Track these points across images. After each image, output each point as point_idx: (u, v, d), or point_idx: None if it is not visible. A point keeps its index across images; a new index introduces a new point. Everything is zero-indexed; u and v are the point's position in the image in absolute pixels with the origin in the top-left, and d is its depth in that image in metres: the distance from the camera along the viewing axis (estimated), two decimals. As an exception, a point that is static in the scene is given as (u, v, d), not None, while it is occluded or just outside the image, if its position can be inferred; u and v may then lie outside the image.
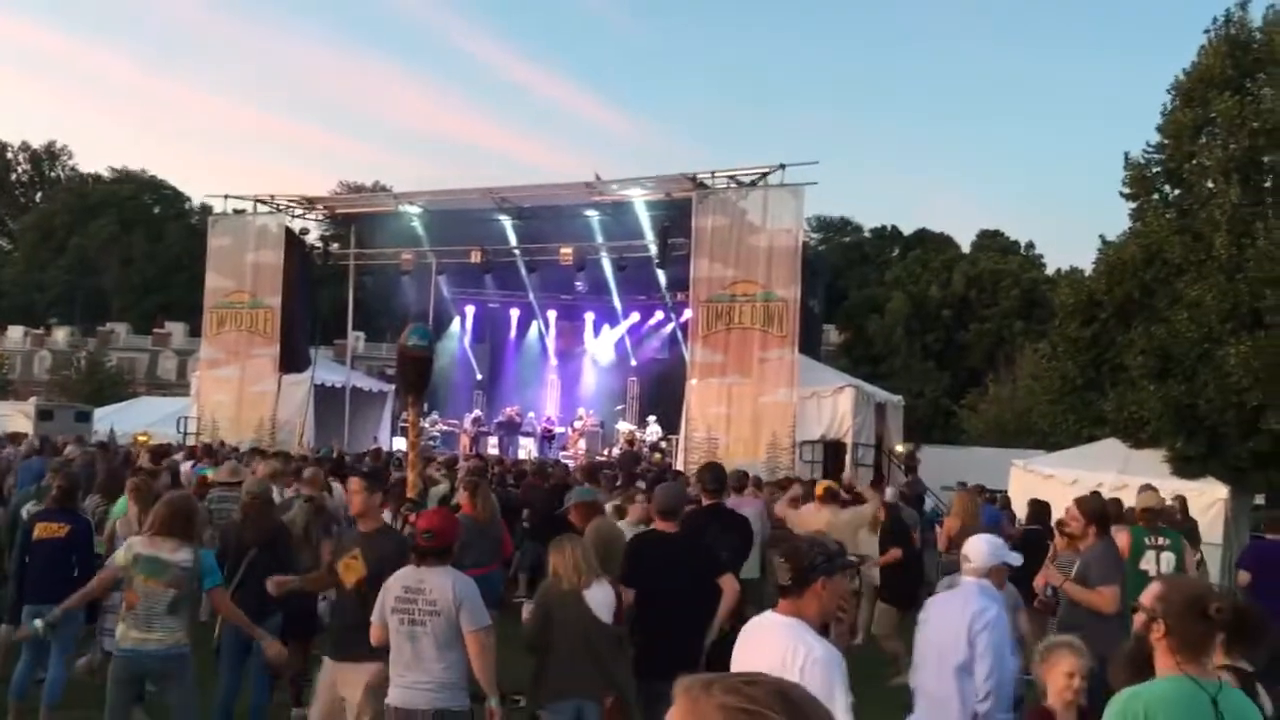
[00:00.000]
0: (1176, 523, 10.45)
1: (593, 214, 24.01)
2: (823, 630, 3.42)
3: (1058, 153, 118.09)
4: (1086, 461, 16.57)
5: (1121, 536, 7.56)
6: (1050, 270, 52.12)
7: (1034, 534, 10.08)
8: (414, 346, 6.02)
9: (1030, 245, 57.78)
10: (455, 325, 29.28)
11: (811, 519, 9.74)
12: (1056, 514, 10.78)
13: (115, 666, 5.64)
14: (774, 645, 3.28)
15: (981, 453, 26.17)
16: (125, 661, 5.57)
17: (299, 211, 26.75)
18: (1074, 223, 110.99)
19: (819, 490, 10.78)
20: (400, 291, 27.82)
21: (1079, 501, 7.51)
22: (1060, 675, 4.20)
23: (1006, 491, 16.97)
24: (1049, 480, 15.88)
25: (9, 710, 6.92)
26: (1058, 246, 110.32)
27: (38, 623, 6.18)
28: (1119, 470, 15.38)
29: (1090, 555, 6.88)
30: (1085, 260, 56.91)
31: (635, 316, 28.09)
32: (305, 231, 26.46)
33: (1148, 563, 7.64)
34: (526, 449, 25.91)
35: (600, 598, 5.31)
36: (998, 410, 35.39)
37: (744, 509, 10.09)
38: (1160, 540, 7.87)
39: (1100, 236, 19.36)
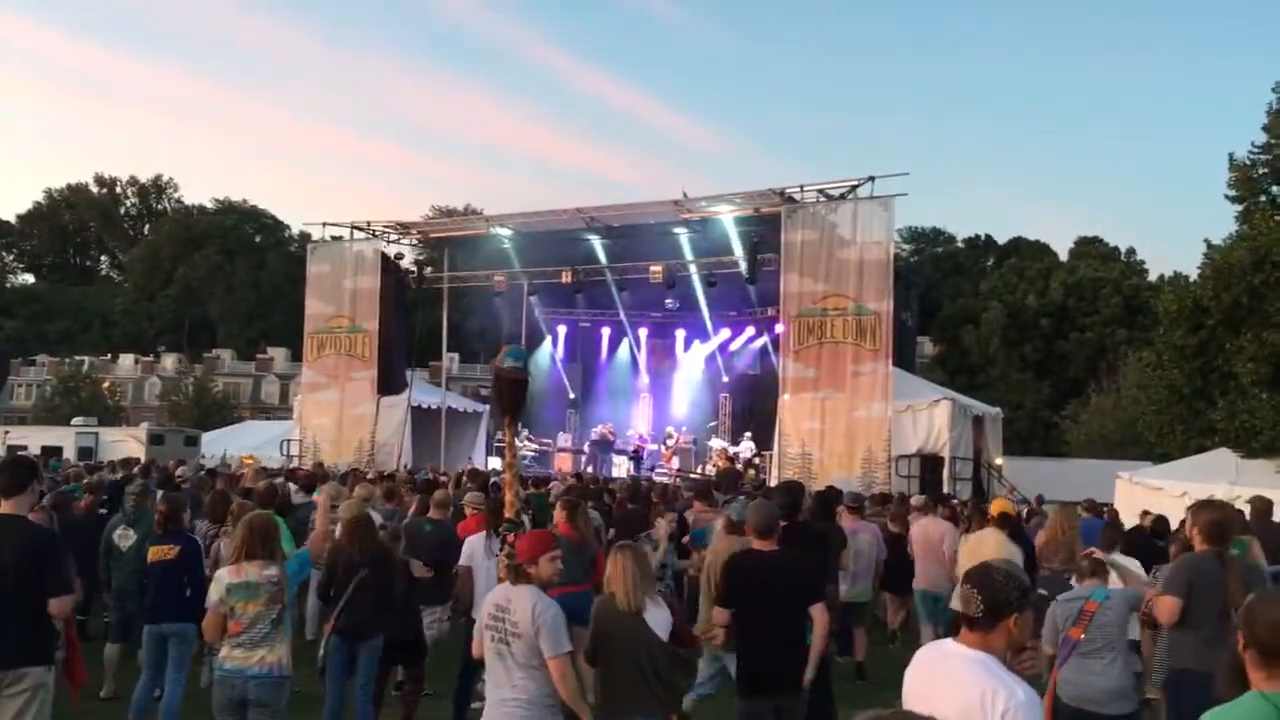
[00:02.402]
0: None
1: (681, 231, 24.06)
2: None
3: (1157, 156, 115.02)
4: (1196, 473, 16.02)
5: (1253, 548, 7.28)
6: (1153, 276, 50.74)
7: (1145, 541, 9.71)
8: (510, 368, 6.05)
9: (1131, 251, 56.37)
10: (547, 345, 29.57)
11: (988, 548, 8.32)
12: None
13: (217, 692, 5.77)
14: (968, 683, 3.06)
15: (1084, 465, 25.52)
16: (228, 683, 5.71)
17: (393, 237, 27.31)
18: (1177, 227, 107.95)
19: (993, 512, 9.27)
20: (493, 313, 28.20)
21: (1191, 507, 7.21)
22: None
23: (1112, 504, 16.49)
24: (1157, 493, 15.39)
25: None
26: (1160, 252, 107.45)
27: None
28: (1230, 481, 14.84)
29: (1174, 562, 6.67)
30: (1190, 266, 55.32)
31: (726, 332, 28.05)
32: (400, 256, 27.00)
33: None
34: (620, 467, 26.00)
35: (658, 618, 5.28)
36: (1101, 421, 34.46)
37: (861, 533, 9.97)
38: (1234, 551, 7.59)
39: (1205, 241, 18.83)
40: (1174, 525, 10.62)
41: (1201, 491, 14.11)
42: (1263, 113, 18.03)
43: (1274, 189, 18.19)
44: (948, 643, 3.27)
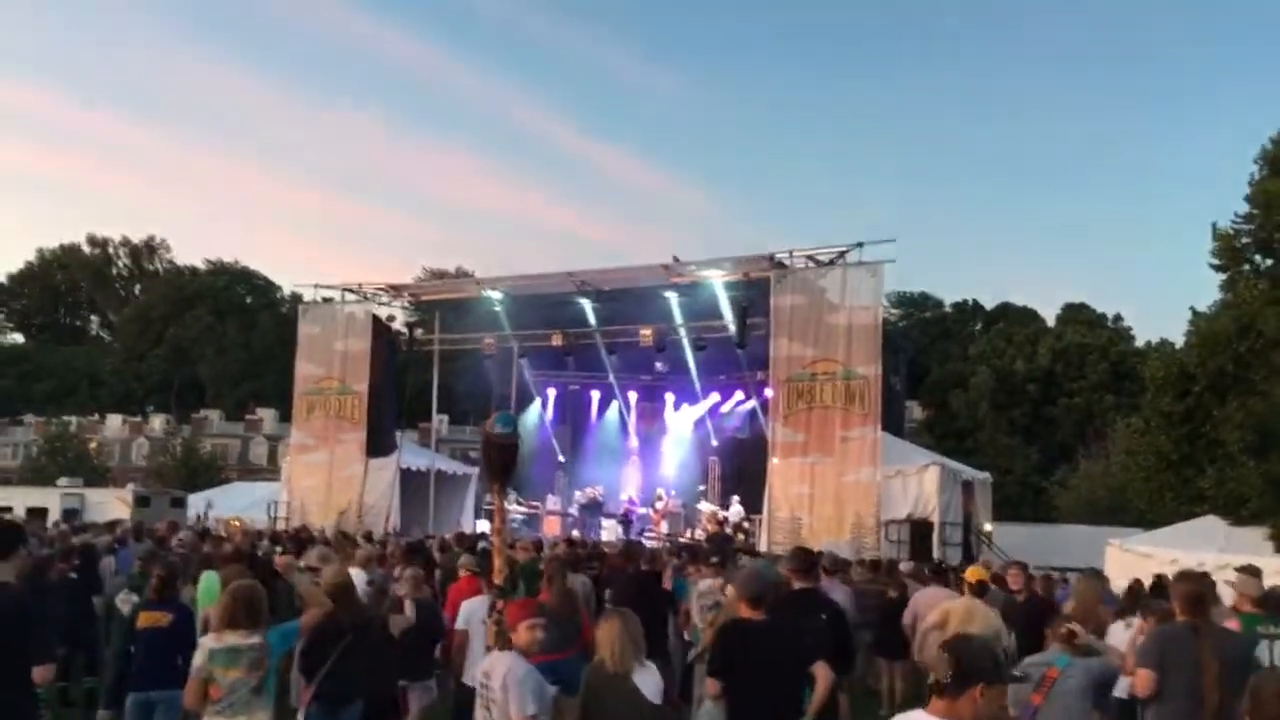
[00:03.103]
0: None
1: (671, 295, 24.20)
2: None
3: (1143, 223, 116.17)
4: (1185, 540, 16.04)
5: (1231, 624, 7.25)
6: (1139, 343, 51.06)
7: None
8: (499, 434, 6.09)
9: (1118, 317, 56.73)
10: (537, 407, 29.58)
11: (978, 618, 8.42)
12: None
13: None
14: None
15: (1074, 531, 25.49)
16: None
17: (385, 299, 27.40)
18: (1163, 294, 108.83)
19: (969, 579, 9.25)
20: (483, 375, 28.25)
21: (1175, 577, 7.20)
22: None
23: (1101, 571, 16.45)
24: (1147, 560, 15.37)
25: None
26: (1147, 319, 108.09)
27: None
28: (1220, 549, 14.86)
29: (1147, 634, 6.65)
30: (1176, 332, 55.62)
31: (715, 396, 28.11)
32: (391, 318, 27.10)
33: (1263, 653, 7.30)
34: (609, 530, 25.89)
35: (649, 682, 5.28)
36: (1090, 487, 34.49)
37: (834, 593, 9.93)
38: (1273, 629, 7.54)
39: (1190, 308, 18.98)
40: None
41: (1191, 559, 14.12)
42: (1245, 183, 18.26)
43: (1257, 258, 18.37)
44: (917, 712, 3.26)
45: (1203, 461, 17.25)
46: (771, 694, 5.58)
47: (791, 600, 7.03)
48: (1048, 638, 6.43)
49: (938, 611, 9.13)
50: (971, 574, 9.40)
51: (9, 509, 25.39)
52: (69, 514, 25.95)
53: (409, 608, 8.44)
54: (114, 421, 65.62)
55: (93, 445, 59.75)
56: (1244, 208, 18.14)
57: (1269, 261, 17.73)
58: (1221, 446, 16.55)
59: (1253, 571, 8.90)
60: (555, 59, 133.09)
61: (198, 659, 5.82)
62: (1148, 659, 5.66)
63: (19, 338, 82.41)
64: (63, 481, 34.38)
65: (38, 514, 23.59)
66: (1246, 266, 18.02)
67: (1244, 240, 18.09)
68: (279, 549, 14.03)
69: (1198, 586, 6.09)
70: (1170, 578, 11.16)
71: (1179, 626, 5.76)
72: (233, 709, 5.68)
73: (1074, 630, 6.17)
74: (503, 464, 6.57)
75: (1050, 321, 57.22)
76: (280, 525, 23.49)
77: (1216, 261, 18.28)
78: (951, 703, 3.14)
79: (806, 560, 7.53)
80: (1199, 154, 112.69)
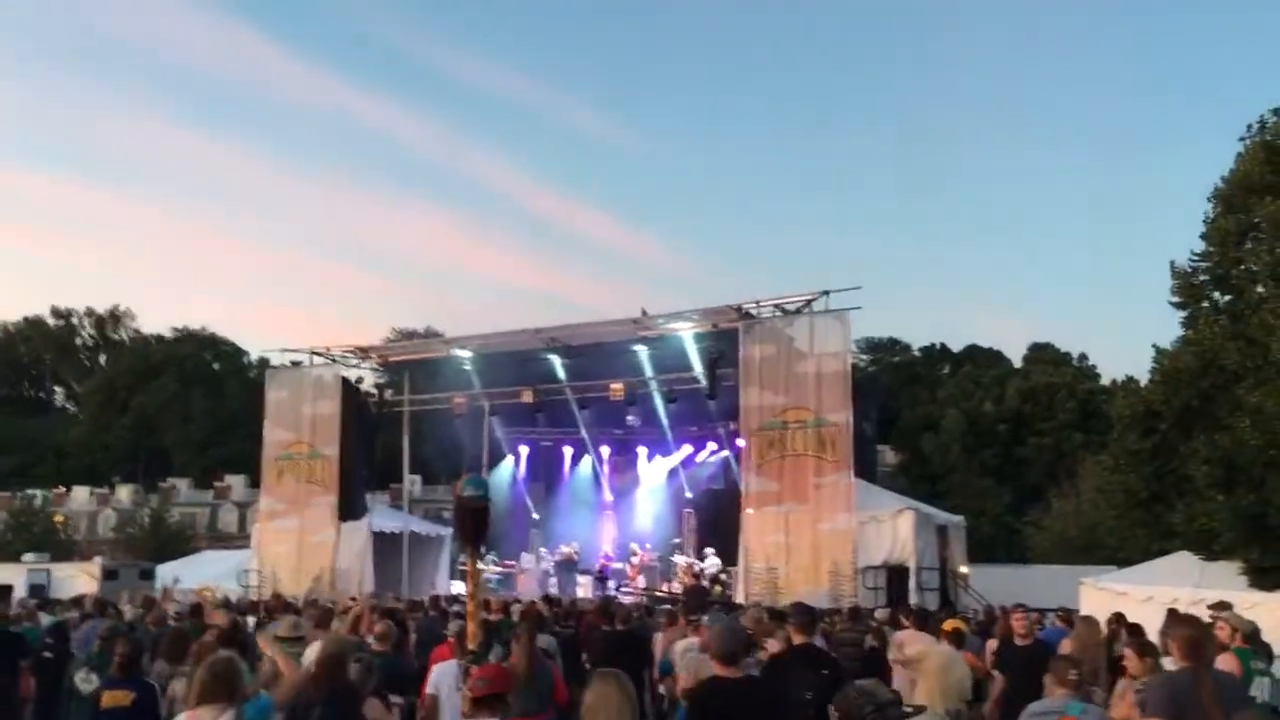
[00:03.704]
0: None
1: (641, 348, 24.29)
2: None
3: (1105, 262, 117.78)
4: (1159, 577, 16.11)
5: (1229, 661, 7.24)
6: (1105, 381, 51.57)
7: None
8: (470, 497, 6.08)
9: (1083, 356, 57.30)
10: (509, 465, 29.49)
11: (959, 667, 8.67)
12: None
13: None
14: None
15: (1048, 571, 25.53)
16: None
17: (353, 361, 27.32)
18: (1126, 332, 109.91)
19: (946, 629, 9.37)
20: (454, 434, 28.12)
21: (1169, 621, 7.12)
22: None
23: (1078, 611, 16.46)
24: (1122, 598, 15.42)
25: None
26: (1112, 357, 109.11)
27: None
28: (1194, 584, 14.92)
29: (1151, 681, 6.58)
30: (1141, 370, 56.14)
31: (688, 448, 28.15)
32: (360, 380, 27.02)
33: (1258, 689, 7.32)
34: (585, 586, 25.71)
35: None
36: (1063, 526, 34.64)
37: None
38: (1261, 664, 7.58)
39: (1154, 346, 19.19)
40: (1149, 631, 10.60)
41: (1166, 595, 14.19)
42: (1200, 220, 18.57)
43: (1216, 295, 18.64)
44: None
45: (1172, 498, 17.35)
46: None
47: (794, 656, 6.97)
48: (1046, 682, 6.36)
49: (917, 649, 9.13)
50: (949, 624, 9.44)
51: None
52: (35, 589, 25.43)
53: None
54: (80, 493, 64.60)
55: (59, 518, 58.72)
56: (1201, 245, 18.44)
57: (1227, 297, 18.00)
58: (1190, 482, 16.65)
59: (1225, 607, 8.96)
60: (520, 119, 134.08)
61: None
62: (1162, 709, 5.58)
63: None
64: (28, 557, 33.71)
65: (3, 591, 23.10)
66: (1205, 303, 18.27)
67: (1202, 277, 18.35)
68: (251, 619, 13.84)
69: (1198, 632, 6.04)
70: (1150, 617, 11.28)
71: (1185, 675, 5.69)
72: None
73: (1076, 673, 6.15)
74: (475, 527, 6.54)
75: (1017, 362, 57.81)
76: (253, 594, 23.14)
77: (1176, 299, 18.53)
78: None
79: (808, 615, 7.51)
80: (1158, 191, 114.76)
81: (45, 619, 13.34)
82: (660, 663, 9.75)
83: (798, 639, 7.23)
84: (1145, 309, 78.38)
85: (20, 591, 24.42)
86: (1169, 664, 7.02)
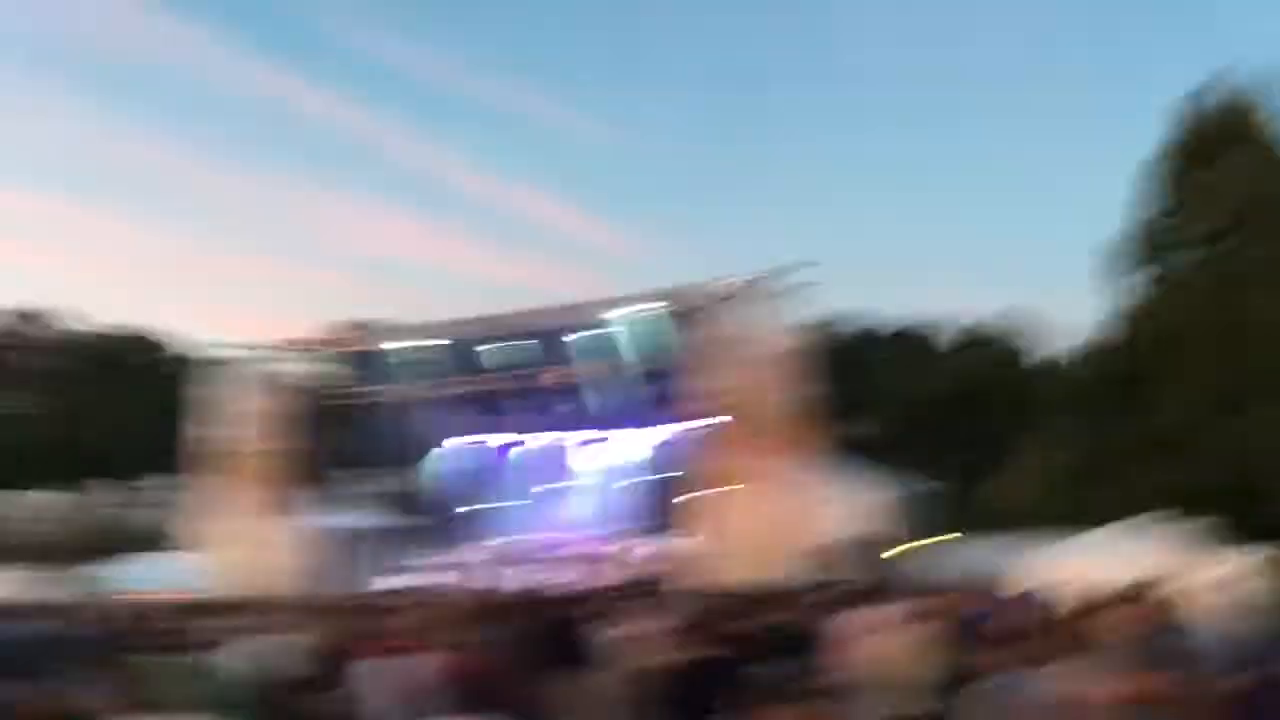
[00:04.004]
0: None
1: (585, 335, 24.08)
2: None
3: (1033, 240, 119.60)
4: (1099, 551, 16.33)
5: None
6: (1037, 360, 52.37)
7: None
8: (404, 492, 5.91)
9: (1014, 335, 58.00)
10: (444, 457, 29.06)
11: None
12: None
13: None
14: None
15: (989, 547, 25.81)
16: None
17: (286, 355, 26.80)
18: (1058, 310, 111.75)
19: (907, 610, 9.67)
20: (394, 427, 27.67)
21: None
22: None
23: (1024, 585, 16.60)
24: (1063, 572, 15.57)
25: None
26: (1044, 336, 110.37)
27: None
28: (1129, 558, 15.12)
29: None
30: (1073, 347, 57.11)
31: (636, 433, 27.91)
32: (296, 374, 26.50)
33: None
34: (521, 579, 25.39)
35: None
36: (1003, 504, 35.02)
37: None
38: None
39: (1087, 323, 19.57)
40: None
41: (1107, 570, 14.34)
42: (1125, 200, 18.90)
43: (1139, 274, 18.99)
44: None
45: (1104, 475, 17.67)
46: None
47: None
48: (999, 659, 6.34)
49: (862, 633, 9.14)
50: (911, 604, 9.51)
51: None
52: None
53: None
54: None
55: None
56: (1126, 223, 18.78)
57: (1149, 273, 18.35)
58: (1123, 456, 16.95)
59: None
60: (454, 100, 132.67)
61: None
62: None
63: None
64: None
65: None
66: (1129, 280, 18.61)
67: (1126, 256, 18.69)
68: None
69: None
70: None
71: None
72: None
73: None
74: (409, 519, 6.37)
75: (945, 345, 58.49)
76: (181, 594, 22.58)
77: (1102, 278, 18.86)
78: None
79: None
80: (1085, 165, 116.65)
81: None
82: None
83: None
84: (1074, 287, 79.37)
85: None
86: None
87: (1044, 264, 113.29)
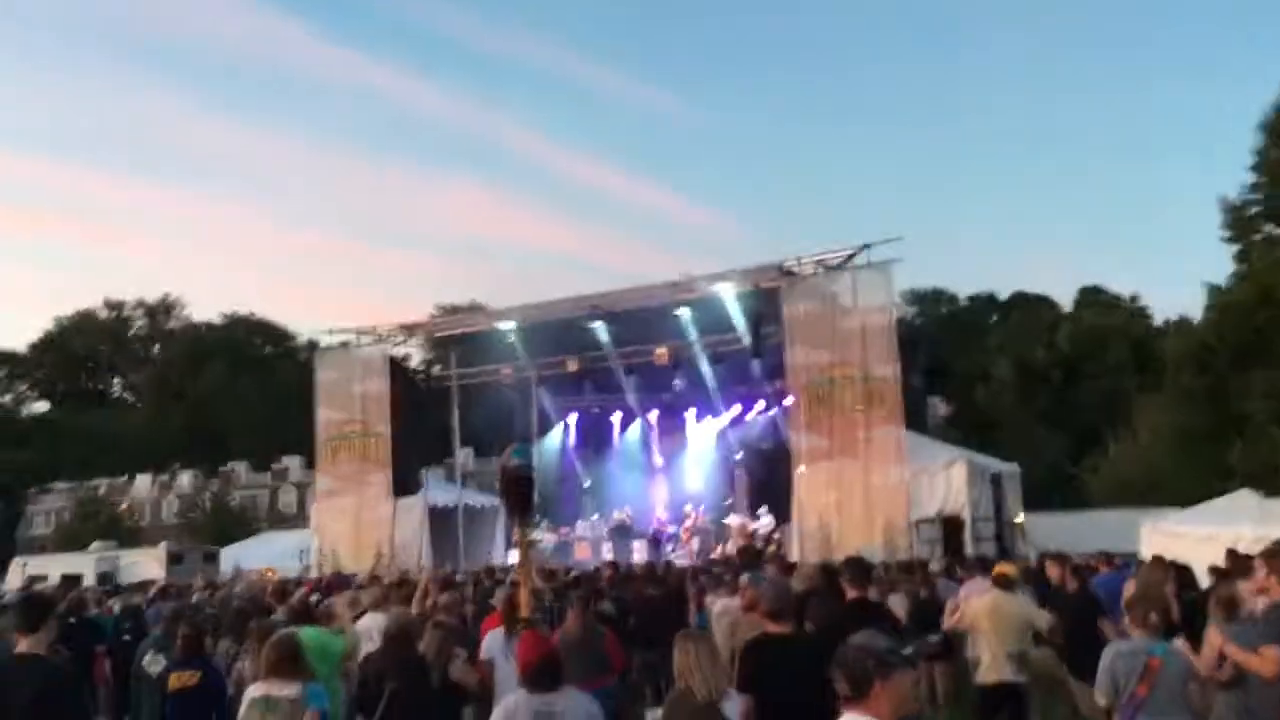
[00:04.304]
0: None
1: (683, 311, 24.24)
2: None
3: (1154, 200, 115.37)
4: (1219, 516, 15.83)
5: None
6: (1159, 321, 50.75)
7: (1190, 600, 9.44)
8: (514, 466, 6.14)
9: (1135, 297, 56.29)
10: (559, 434, 29.61)
11: (1010, 608, 8.69)
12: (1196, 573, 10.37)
13: None
14: None
15: (1106, 516, 25.20)
16: None
17: (400, 338, 27.55)
18: (1178, 270, 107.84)
19: (996, 573, 9.40)
20: (503, 406, 28.31)
21: (1265, 555, 6.89)
22: None
23: (1138, 555, 16.25)
24: (1181, 539, 15.19)
25: None
26: (1164, 297, 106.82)
27: None
28: (1255, 522, 14.64)
29: (1263, 614, 6.47)
30: (1195, 308, 55.20)
31: (736, 408, 28.06)
32: (406, 358, 27.28)
33: None
34: (639, 551, 25.81)
35: (733, 709, 5.22)
36: (1119, 470, 34.16)
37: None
38: None
39: (1205, 284, 18.86)
40: (1200, 571, 10.45)
41: (1227, 535, 13.94)
42: (1249, 153, 18.13)
43: (1268, 228, 18.25)
44: (844, 716, 3.39)
45: (1230, 435, 17.11)
46: (801, 709, 5.52)
47: (847, 612, 6.96)
48: (1120, 626, 6.30)
49: (956, 615, 9.12)
50: (997, 570, 9.42)
51: (44, 577, 25.60)
52: (103, 577, 26.09)
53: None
54: (143, 481, 66.02)
55: (123, 507, 60.11)
56: (1251, 177, 18.05)
57: (1275, 229, 17.64)
58: (1247, 419, 16.40)
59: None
60: (556, 88, 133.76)
61: (243, 713, 5.91)
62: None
63: (44, 406, 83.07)
64: (95, 545, 34.57)
65: (73, 580, 23.69)
66: (1258, 236, 17.92)
67: (1254, 210, 17.99)
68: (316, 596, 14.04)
69: None
70: (1208, 556, 11.11)
71: None
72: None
73: (1156, 616, 6.10)
74: (520, 496, 6.61)
75: (1067, 307, 56.96)
76: (313, 572, 23.53)
77: (1228, 234, 18.19)
78: (863, 705, 3.30)
79: (861, 570, 7.51)
80: (1203, 124, 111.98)
81: (117, 605, 13.64)
82: (696, 622, 9.80)
83: (851, 593, 7.21)
84: (1198, 247, 76.40)
85: (89, 579, 25.07)
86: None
87: (1167, 221, 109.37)
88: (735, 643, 7.85)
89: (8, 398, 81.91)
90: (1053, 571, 10.70)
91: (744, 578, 9.53)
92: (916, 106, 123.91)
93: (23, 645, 5.27)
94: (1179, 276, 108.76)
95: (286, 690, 5.83)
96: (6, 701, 5.06)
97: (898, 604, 10.51)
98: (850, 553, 14.30)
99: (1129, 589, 10.05)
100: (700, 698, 5.13)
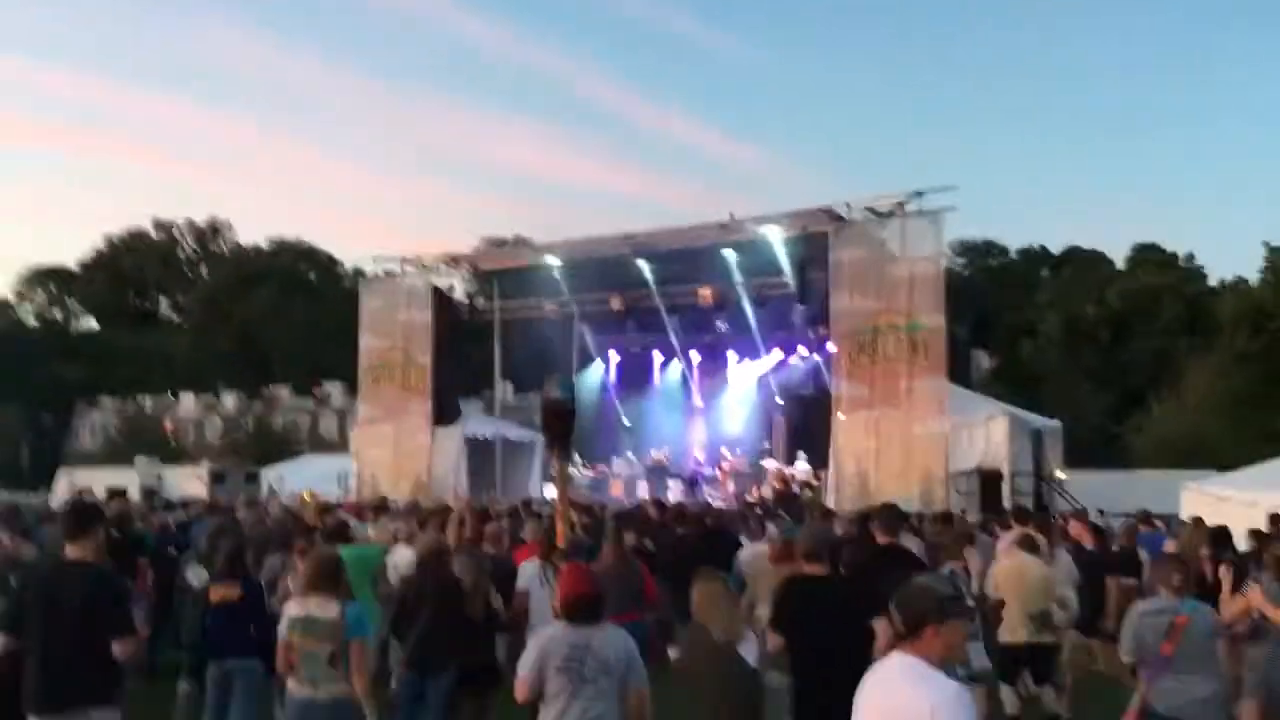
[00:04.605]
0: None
1: (729, 253, 24.06)
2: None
3: (1214, 158, 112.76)
4: (1265, 481, 15.58)
5: None
6: (1213, 282, 49.79)
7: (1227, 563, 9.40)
8: (556, 399, 6.14)
9: (1190, 257, 55.20)
10: (599, 371, 29.61)
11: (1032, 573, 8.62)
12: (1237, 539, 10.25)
13: (289, 715, 5.90)
14: (900, 686, 3.27)
15: (1148, 476, 24.93)
16: (300, 711, 5.83)
17: (445, 269, 27.59)
18: (1237, 231, 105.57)
19: (1017, 534, 9.36)
20: (545, 341, 28.29)
21: None
22: None
23: (1178, 516, 16.07)
24: (1224, 503, 14.98)
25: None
26: (1220, 257, 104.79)
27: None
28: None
29: None
30: (1252, 270, 54.10)
31: (778, 353, 27.88)
32: (451, 288, 27.31)
33: None
34: (675, 491, 25.88)
35: (750, 650, 5.25)
36: (1164, 431, 33.74)
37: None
38: None
39: (1264, 244, 18.42)
40: (1239, 536, 10.34)
41: (1272, 499, 13.74)
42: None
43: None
44: (892, 654, 3.43)
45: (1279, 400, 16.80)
46: (834, 648, 5.54)
47: (875, 556, 6.97)
48: (1144, 586, 6.28)
49: (983, 576, 9.07)
50: (1022, 533, 9.38)
51: (90, 490, 26.12)
52: (148, 493, 26.59)
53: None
54: (188, 401, 67.18)
55: (168, 425, 61.23)
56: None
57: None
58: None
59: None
60: (605, 23, 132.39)
61: (283, 628, 5.97)
62: None
63: (93, 323, 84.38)
64: (140, 461, 35.26)
65: (118, 494, 24.14)
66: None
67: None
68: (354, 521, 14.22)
69: None
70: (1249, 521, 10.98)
71: None
72: (310, 679, 5.82)
73: (1180, 576, 6.07)
74: (561, 428, 6.61)
75: (1120, 264, 55.99)
76: (351, 497, 23.84)
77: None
78: (914, 644, 3.32)
79: (893, 516, 7.49)
80: (1266, 81, 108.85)
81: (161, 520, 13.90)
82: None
83: (882, 539, 7.19)
84: (1258, 208, 74.51)
85: (134, 494, 25.55)
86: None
87: (1227, 180, 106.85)
88: (753, 593, 7.85)
89: (58, 313, 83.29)
90: (1074, 529, 10.90)
91: (770, 529, 9.53)
92: (975, 54, 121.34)
93: (72, 552, 5.36)
94: (1238, 237, 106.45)
95: (327, 611, 5.89)
96: (58, 605, 5.18)
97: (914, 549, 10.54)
98: (886, 500, 14.29)
99: (1169, 548, 10.05)
100: (718, 637, 5.17)
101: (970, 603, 3.58)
